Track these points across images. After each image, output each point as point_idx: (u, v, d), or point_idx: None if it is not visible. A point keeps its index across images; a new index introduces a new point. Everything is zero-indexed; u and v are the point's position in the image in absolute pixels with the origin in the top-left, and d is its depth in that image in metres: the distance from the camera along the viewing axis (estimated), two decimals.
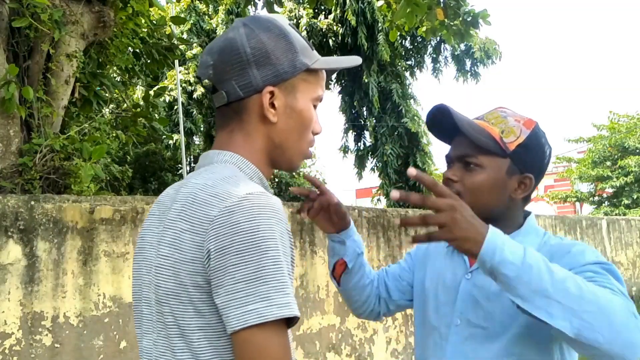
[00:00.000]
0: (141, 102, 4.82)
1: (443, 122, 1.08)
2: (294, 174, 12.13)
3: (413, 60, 12.68)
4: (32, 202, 2.26)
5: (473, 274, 1.07)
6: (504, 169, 1.03)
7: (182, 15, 10.97)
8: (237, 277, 0.69)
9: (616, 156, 16.88)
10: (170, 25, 5.70)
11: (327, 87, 12.56)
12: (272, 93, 0.85)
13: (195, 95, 11.34)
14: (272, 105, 0.86)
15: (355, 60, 0.95)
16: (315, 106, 0.92)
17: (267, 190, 0.88)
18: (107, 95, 3.85)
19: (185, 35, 11.10)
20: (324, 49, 11.29)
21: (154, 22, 4.33)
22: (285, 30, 0.87)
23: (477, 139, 1.01)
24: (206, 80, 0.91)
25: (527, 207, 1.14)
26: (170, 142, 10.89)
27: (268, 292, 0.69)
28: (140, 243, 0.89)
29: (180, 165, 11.18)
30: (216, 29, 11.76)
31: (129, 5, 3.63)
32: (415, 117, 11.37)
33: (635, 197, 16.08)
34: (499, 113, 1.07)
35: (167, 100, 10.56)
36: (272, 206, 0.75)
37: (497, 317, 1.00)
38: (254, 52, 0.84)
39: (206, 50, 0.90)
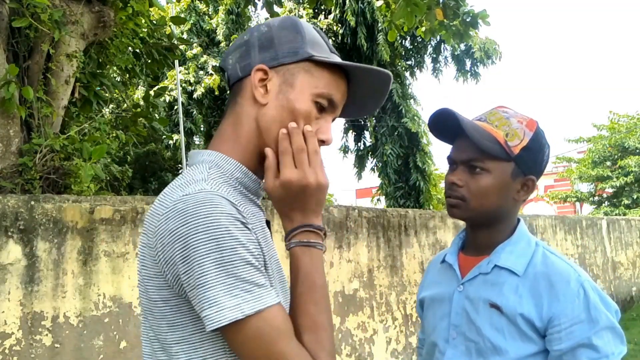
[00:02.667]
0: (141, 102, 4.82)
1: (446, 124, 1.07)
2: None
3: (413, 60, 12.69)
4: (32, 202, 2.26)
5: (465, 286, 1.07)
6: (509, 172, 1.03)
7: (182, 15, 10.98)
8: (191, 283, 0.68)
9: (616, 156, 16.89)
10: (170, 25, 5.70)
11: None
12: (265, 73, 0.83)
13: (195, 95, 11.34)
14: (265, 87, 0.83)
15: (385, 73, 0.87)
16: (319, 104, 0.84)
17: (254, 185, 0.85)
18: (107, 95, 3.85)
19: (185, 35, 11.11)
20: None
21: (154, 22, 4.33)
22: (300, 27, 0.86)
23: (483, 144, 1.01)
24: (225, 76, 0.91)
25: (528, 207, 1.15)
26: (171, 142, 10.89)
27: (215, 297, 0.67)
28: None
29: (180, 165, 11.17)
30: (216, 29, 11.77)
31: (129, 5, 3.63)
32: (415, 117, 11.38)
33: (635, 197, 16.09)
34: (501, 114, 1.06)
35: (167, 100, 10.57)
36: (209, 202, 0.70)
37: (486, 332, 1.01)
38: (260, 37, 0.85)
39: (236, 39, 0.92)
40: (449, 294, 1.10)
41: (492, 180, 1.03)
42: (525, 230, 1.10)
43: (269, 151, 0.82)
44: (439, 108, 1.07)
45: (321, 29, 11.18)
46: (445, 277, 1.14)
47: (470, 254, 1.12)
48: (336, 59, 0.87)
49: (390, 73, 0.89)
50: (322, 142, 0.85)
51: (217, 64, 11.52)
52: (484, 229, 1.09)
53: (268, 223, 0.88)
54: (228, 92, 0.91)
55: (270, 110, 0.82)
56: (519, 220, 1.12)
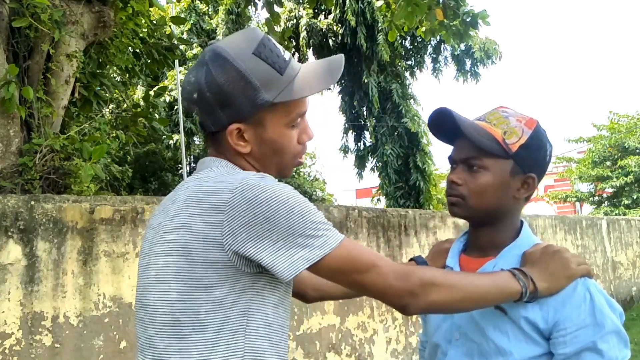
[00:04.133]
0: (141, 102, 4.82)
1: (445, 124, 1.07)
2: (293, 174, 12.14)
3: (413, 60, 12.69)
4: (32, 202, 2.26)
5: None
6: (508, 170, 1.03)
7: (182, 15, 10.98)
8: (274, 238, 0.81)
9: (616, 156, 16.90)
10: (170, 25, 5.70)
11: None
12: (238, 129, 0.91)
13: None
14: (242, 138, 0.92)
15: (334, 76, 0.94)
16: (294, 126, 0.94)
17: None
18: (107, 95, 3.85)
19: (185, 35, 11.11)
20: (323, 49, 11.29)
21: (154, 22, 4.33)
22: (242, 68, 0.87)
23: (480, 141, 1.01)
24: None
25: (528, 207, 1.14)
26: (171, 142, 10.90)
27: (306, 240, 0.81)
28: (143, 245, 0.96)
29: (180, 165, 11.18)
30: (216, 29, 11.77)
31: (129, 5, 3.63)
32: (415, 117, 11.38)
33: (635, 197, 16.09)
34: (501, 113, 1.07)
35: (167, 100, 10.56)
36: (270, 178, 0.86)
37: (490, 333, 1.00)
38: (215, 96, 0.89)
39: (183, 84, 0.95)
40: None
41: (490, 178, 1.03)
42: (530, 232, 1.09)
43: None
44: (437, 108, 1.07)
45: (321, 29, 11.17)
46: None
47: (473, 255, 1.11)
48: (288, 74, 0.89)
49: (339, 72, 0.95)
50: (306, 141, 0.98)
51: None
52: (486, 229, 1.09)
53: None
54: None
55: (255, 153, 0.94)
56: (522, 222, 1.11)
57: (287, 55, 0.92)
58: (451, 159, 1.10)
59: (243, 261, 0.82)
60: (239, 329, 0.83)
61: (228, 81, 0.88)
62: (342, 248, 0.83)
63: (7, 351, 2.09)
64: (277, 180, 0.87)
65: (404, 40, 11.91)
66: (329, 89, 12.35)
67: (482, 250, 1.10)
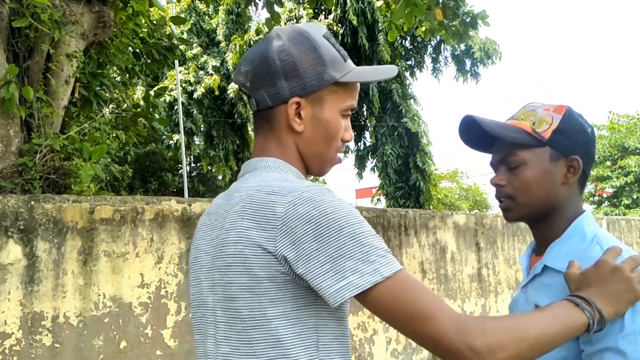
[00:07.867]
0: (141, 102, 4.82)
1: (476, 133, 1.06)
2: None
3: (413, 60, 12.70)
4: (32, 202, 2.26)
5: (527, 288, 1.05)
6: (547, 158, 1.00)
7: (182, 15, 10.98)
8: (321, 259, 0.76)
9: (616, 156, 16.91)
10: (170, 25, 5.70)
11: None
12: (298, 104, 0.90)
13: (195, 95, 11.35)
14: (299, 115, 0.91)
15: (390, 71, 0.97)
16: (345, 115, 0.95)
17: None
18: (107, 95, 3.85)
19: (185, 35, 11.11)
20: None
21: (154, 22, 4.33)
22: (316, 44, 0.91)
23: (509, 136, 1.01)
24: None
25: None
26: (171, 142, 10.92)
27: (355, 265, 0.75)
28: (195, 253, 0.95)
29: (180, 165, 11.19)
30: (216, 29, 11.77)
31: (129, 5, 3.63)
32: (415, 117, 11.38)
33: (635, 197, 16.11)
34: (528, 108, 1.06)
35: (167, 100, 10.56)
36: (329, 190, 0.82)
37: None
38: (283, 65, 0.89)
39: (243, 58, 0.95)
40: (518, 297, 1.09)
41: (531, 170, 1.01)
42: (583, 224, 1.02)
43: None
44: (463, 118, 1.05)
45: None
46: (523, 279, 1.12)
47: (538, 254, 1.08)
48: (350, 65, 0.94)
49: (395, 71, 0.98)
50: (346, 141, 0.97)
51: (217, 64, 11.51)
52: (541, 225, 1.05)
53: None
54: (250, 107, 0.96)
55: (307, 134, 0.92)
56: (584, 211, 1.05)
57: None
58: (491, 165, 1.09)
59: (299, 277, 0.79)
60: (310, 345, 0.81)
61: (300, 52, 0.89)
62: (395, 282, 0.76)
63: (7, 351, 2.09)
64: (335, 194, 0.83)
65: (404, 40, 11.92)
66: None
67: (542, 248, 1.06)
